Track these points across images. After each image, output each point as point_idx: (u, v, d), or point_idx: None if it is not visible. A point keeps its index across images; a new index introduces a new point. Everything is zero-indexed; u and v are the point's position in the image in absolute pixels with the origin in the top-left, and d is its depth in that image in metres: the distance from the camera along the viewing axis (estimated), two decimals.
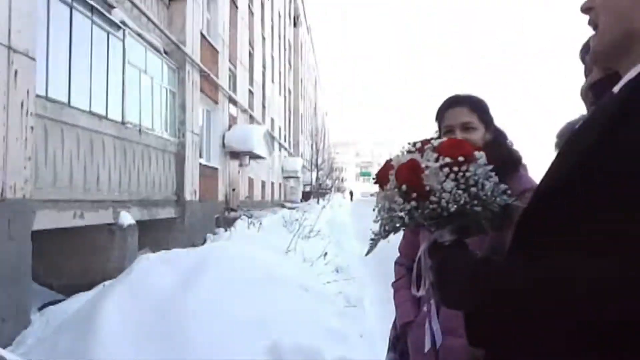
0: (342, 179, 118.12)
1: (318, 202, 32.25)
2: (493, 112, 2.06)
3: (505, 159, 1.78)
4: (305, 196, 43.58)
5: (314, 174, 44.36)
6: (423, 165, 1.13)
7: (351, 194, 76.75)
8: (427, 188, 1.12)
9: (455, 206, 1.10)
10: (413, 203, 1.13)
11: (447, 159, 1.12)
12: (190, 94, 13.78)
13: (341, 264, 10.20)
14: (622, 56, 0.99)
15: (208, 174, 15.83)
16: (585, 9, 1.06)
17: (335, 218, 22.71)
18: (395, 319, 2.36)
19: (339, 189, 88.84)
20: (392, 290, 2.42)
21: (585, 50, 1.63)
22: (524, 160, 2.03)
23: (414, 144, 1.23)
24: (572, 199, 0.90)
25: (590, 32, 1.08)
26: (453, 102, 2.03)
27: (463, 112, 1.98)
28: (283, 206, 28.00)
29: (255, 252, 7.74)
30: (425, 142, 1.21)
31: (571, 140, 1.01)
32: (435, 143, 1.19)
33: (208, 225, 14.77)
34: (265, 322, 4.93)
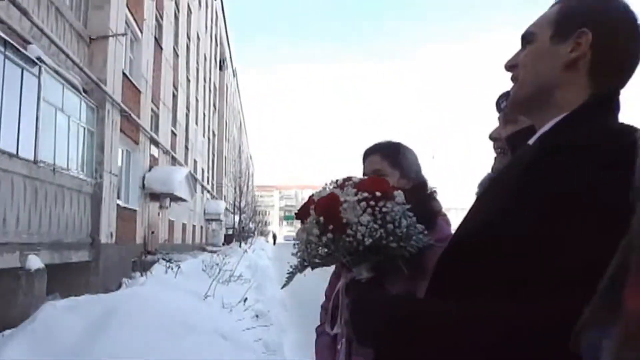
0: (265, 223, 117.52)
1: (240, 246, 31.82)
2: (422, 157, 2.09)
3: (421, 209, 1.84)
4: (228, 239, 42.95)
5: (237, 217, 43.84)
6: (342, 199, 1.15)
7: (274, 237, 76.41)
8: (344, 221, 1.13)
9: (370, 240, 1.12)
10: (330, 235, 1.13)
11: (365, 194, 1.15)
12: (110, 134, 13.42)
13: (261, 309, 10.02)
14: (537, 110, 1.08)
15: (126, 216, 15.34)
16: (509, 67, 1.14)
17: (257, 262, 22.46)
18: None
19: (262, 233, 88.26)
20: (314, 335, 2.37)
21: (503, 99, 1.77)
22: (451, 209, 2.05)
23: (337, 181, 1.25)
24: (489, 244, 0.93)
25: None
26: (368, 151, 2.07)
27: (375, 160, 2.01)
28: (204, 250, 27.46)
29: (172, 298, 7.52)
30: (347, 179, 1.24)
31: (488, 189, 1.07)
32: (356, 180, 1.22)
33: (124, 270, 14.22)
34: None
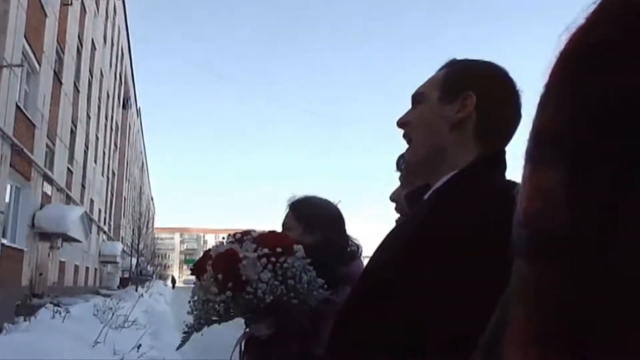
0: (165, 266, 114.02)
1: (137, 290, 30.59)
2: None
3: (337, 254, 1.78)
4: (124, 283, 41.29)
5: (135, 260, 42.25)
6: (241, 255, 1.12)
7: (173, 281, 73.88)
8: (244, 278, 1.11)
9: (271, 297, 1.09)
10: (229, 293, 1.10)
11: (266, 250, 1.13)
12: None
13: (156, 356, 9.63)
14: (431, 170, 1.12)
15: (11, 256, 14.38)
16: (400, 124, 1.17)
17: (154, 307, 21.65)
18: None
19: (161, 276, 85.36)
20: None
21: (402, 159, 1.79)
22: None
23: (234, 235, 1.23)
24: (380, 300, 0.95)
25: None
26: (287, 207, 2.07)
27: (287, 213, 2.00)
28: (98, 293, 26.20)
29: (56, 346, 7.08)
30: (245, 233, 1.22)
31: (384, 243, 1.09)
32: (255, 234, 1.20)
33: (7, 314, 13.24)
34: None
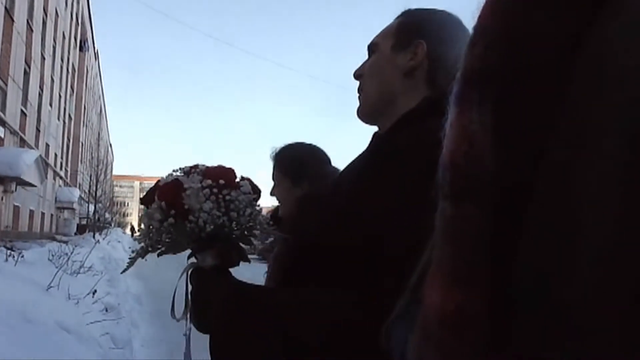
0: (124, 214, 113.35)
1: (94, 237, 30.31)
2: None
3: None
4: (81, 229, 40.92)
5: (92, 207, 41.75)
6: (186, 186, 1.16)
7: (132, 229, 73.70)
8: (186, 207, 1.14)
9: (212, 226, 1.13)
10: (171, 220, 1.14)
11: (209, 182, 1.17)
12: None
13: (112, 302, 9.57)
14: (381, 118, 1.16)
15: None
16: (356, 76, 1.22)
17: (112, 254, 21.48)
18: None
19: (120, 224, 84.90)
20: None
21: (275, 159, 1.90)
22: None
23: (184, 168, 1.27)
24: (324, 235, 1.02)
25: None
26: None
27: (274, 169, 2.02)
28: (54, 239, 25.88)
29: (7, 289, 6.97)
30: (194, 167, 1.25)
31: (336, 182, 1.16)
32: (202, 167, 1.24)
33: None
34: None
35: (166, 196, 1.16)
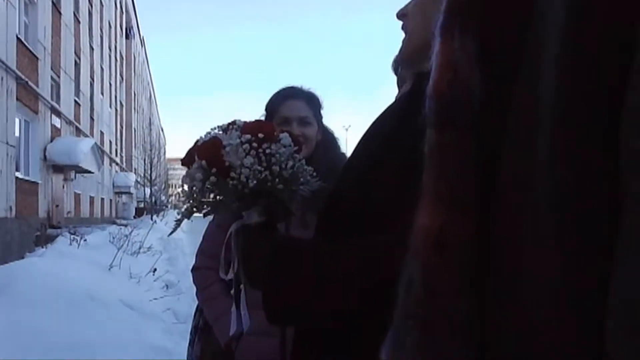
0: (179, 195, 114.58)
1: (152, 219, 31.09)
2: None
3: (333, 162, 1.79)
4: (139, 212, 41.63)
5: (148, 190, 42.76)
6: (225, 143, 1.14)
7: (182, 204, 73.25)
8: (227, 164, 1.11)
9: (255, 182, 1.11)
10: (213, 179, 1.12)
11: (248, 136, 1.14)
12: (4, 103, 12.70)
13: (172, 279, 9.74)
14: (427, 62, 1.03)
15: (26, 189, 14.66)
16: (400, 15, 1.11)
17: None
18: (198, 308, 2.20)
19: (175, 206, 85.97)
20: (201, 300, 2.15)
21: (397, 63, 1.71)
22: None
23: (221, 125, 1.24)
24: (373, 182, 0.96)
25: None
26: (290, 95, 2.00)
27: (300, 106, 1.96)
28: (114, 223, 26.61)
29: (72, 270, 7.23)
30: (231, 123, 1.22)
31: (372, 128, 1.08)
32: (240, 123, 1.21)
33: (26, 244, 13.64)
34: (86, 344, 4.62)
35: (206, 154, 1.15)
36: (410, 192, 0.86)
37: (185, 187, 1.21)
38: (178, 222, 1.33)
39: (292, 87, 2.04)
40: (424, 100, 0.51)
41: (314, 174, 1.23)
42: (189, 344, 2.24)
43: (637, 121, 0.33)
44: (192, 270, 2.18)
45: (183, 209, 1.27)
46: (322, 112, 2.04)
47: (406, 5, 1.11)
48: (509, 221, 0.42)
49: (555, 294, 0.37)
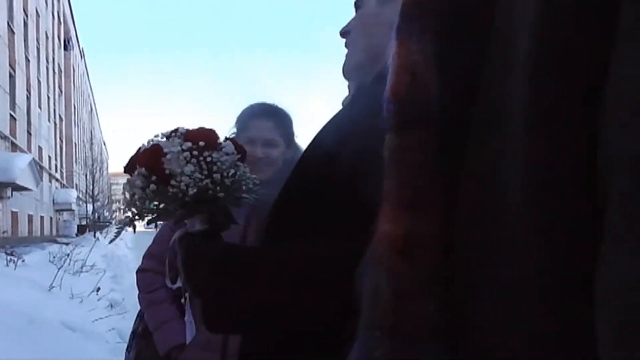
0: (123, 211, 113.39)
1: (95, 236, 30.33)
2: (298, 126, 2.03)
3: None
4: (82, 230, 40.91)
5: (91, 206, 41.68)
6: (166, 150, 1.14)
7: (134, 225, 73.27)
8: (167, 172, 1.12)
9: (195, 190, 1.11)
10: (152, 186, 1.12)
11: (189, 144, 1.14)
12: None
13: (116, 298, 9.61)
14: (367, 73, 1.10)
15: None
16: (343, 33, 1.18)
17: (114, 251, 21.51)
18: (140, 313, 2.15)
19: (120, 221, 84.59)
20: (143, 304, 2.10)
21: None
22: None
23: (164, 133, 1.24)
24: (318, 189, 0.98)
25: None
26: (258, 114, 1.95)
27: (268, 127, 1.92)
28: (55, 241, 25.91)
29: (8, 292, 7.13)
30: (174, 131, 1.22)
31: (318, 136, 1.13)
32: (183, 130, 1.21)
33: None
34: None
35: (146, 162, 1.15)
36: (354, 201, 0.86)
37: (127, 194, 1.21)
38: (119, 231, 1.35)
39: (262, 105, 1.99)
40: (380, 104, 0.51)
41: (258, 182, 1.24)
42: (126, 349, 2.23)
43: (619, 116, 0.33)
44: (137, 272, 2.14)
45: (123, 217, 1.28)
46: (292, 131, 2.00)
47: (348, 23, 1.17)
48: (475, 223, 0.42)
49: (530, 292, 0.38)
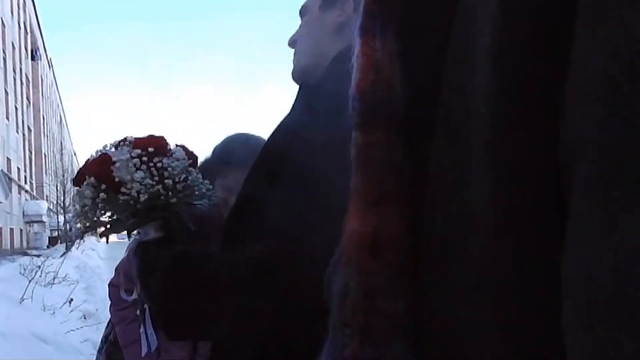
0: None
1: (67, 247, 29.82)
2: None
3: None
4: (53, 242, 40.18)
5: (62, 218, 40.98)
6: (114, 159, 1.12)
7: (107, 236, 71.99)
8: (117, 180, 1.10)
9: (146, 196, 1.09)
10: (103, 195, 1.10)
11: (138, 151, 1.13)
12: None
13: (90, 309, 9.41)
14: (313, 75, 1.14)
15: None
16: (290, 43, 1.22)
17: (86, 262, 21.12)
18: (109, 322, 2.13)
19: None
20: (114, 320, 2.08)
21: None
22: None
23: (113, 143, 1.23)
24: (271, 192, 0.98)
25: None
26: (237, 161, 1.93)
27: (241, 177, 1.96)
28: (25, 254, 25.40)
29: None
30: (122, 140, 1.21)
31: (270, 138, 1.14)
32: (131, 139, 1.20)
33: None
34: None
35: (95, 171, 1.13)
36: (308, 204, 0.88)
37: (77, 206, 1.19)
38: (71, 244, 1.25)
39: (242, 146, 1.90)
40: (345, 102, 0.51)
41: (211, 187, 1.24)
42: (98, 351, 2.19)
43: (582, 107, 0.33)
44: (108, 285, 2.13)
45: (76, 228, 1.23)
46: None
47: (295, 32, 1.22)
48: (440, 218, 0.42)
49: (492, 286, 0.38)
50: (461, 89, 0.41)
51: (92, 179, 1.12)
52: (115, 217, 1.16)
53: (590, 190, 0.32)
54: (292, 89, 1.14)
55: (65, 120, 76.68)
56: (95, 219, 1.16)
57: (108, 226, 1.19)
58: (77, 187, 1.20)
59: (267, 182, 1.01)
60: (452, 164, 0.42)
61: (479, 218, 0.39)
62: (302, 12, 1.21)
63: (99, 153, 1.19)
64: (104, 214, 1.16)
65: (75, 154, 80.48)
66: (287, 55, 1.24)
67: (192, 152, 1.24)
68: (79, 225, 1.22)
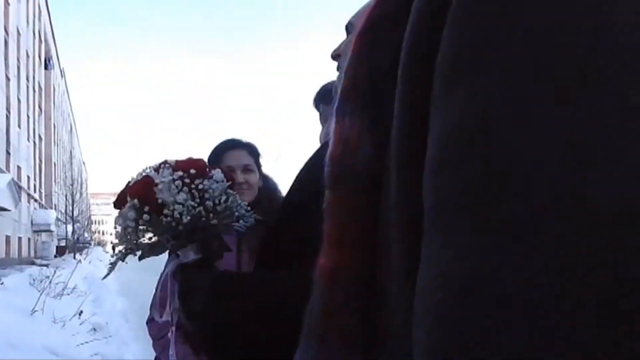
0: (103, 232, 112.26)
1: (75, 257, 29.78)
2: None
3: (278, 204, 1.89)
4: (61, 251, 40.36)
5: (70, 227, 41.02)
6: (157, 181, 1.16)
7: (113, 247, 72.50)
8: (160, 201, 1.13)
9: (189, 217, 1.13)
10: (146, 217, 1.13)
11: (180, 173, 1.17)
12: None
13: (99, 322, 9.49)
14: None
15: None
16: (334, 56, 1.20)
17: (94, 273, 21.12)
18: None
19: (99, 243, 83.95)
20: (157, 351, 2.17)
21: (319, 98, 1.83)
22: None
23: (153, 166, 1.26)
24: (310, 216, 0.95)
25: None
26: (232, 146, 2.12)
27: (243, 155, 2.08)
28: (33, 263, 25.40)
29: None
30: (162, 163, 1.24)
31: (309, 162, 1.18)
32: (172, 162, 1.22)
33: None
34: None
35: (138, 193, 1.16)
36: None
37: (119, 228, 1.21)
38: (112, 265, 1.33)
39: (232, 139, 2.17)
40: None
41: (249, 208, 1.29)
42: None
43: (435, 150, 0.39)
44: (146, 323, 2.23)
45: (117, 251, 1.27)
46: (260, 160, 2.18)
47: (340, 45, 1.20)
48: (381, 252, 0.52)
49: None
50: (392, 147, 0.49)
51: (135, 200, 1.15)
52: (155, 239, 1.20)
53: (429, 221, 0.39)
54: None
55: (76, 130, 77.23)
56: (135, 240, 1.19)
57: (148, 248, 1.22)
58: (119, 210, 1.21)
59: (310, 199, 0.96)
60: (386, 207, 0.50)
61: (393, 249, 0.48)
62: (348, 28, 1.20)
63: (140, 175, 1.22)
64: (146, 236, 1.19)
65: (84, 163, 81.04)
66: None
67: (230, 174, 1.29)
68: (119, 247, 1.24)
